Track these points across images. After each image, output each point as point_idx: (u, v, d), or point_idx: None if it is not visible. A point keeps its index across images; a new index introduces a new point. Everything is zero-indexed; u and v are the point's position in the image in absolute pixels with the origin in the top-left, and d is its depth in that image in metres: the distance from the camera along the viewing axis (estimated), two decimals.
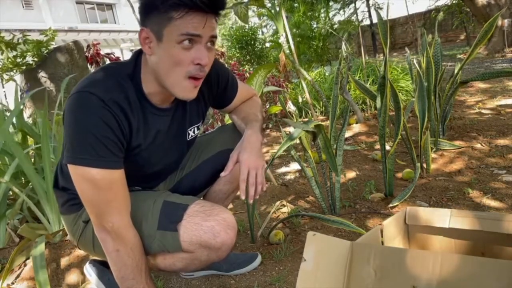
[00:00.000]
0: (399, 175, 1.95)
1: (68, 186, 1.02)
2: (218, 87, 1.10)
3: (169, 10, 0.80)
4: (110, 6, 18.42)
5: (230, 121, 1.28)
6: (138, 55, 0.94)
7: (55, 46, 3.84)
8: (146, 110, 0.94)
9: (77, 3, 16.64)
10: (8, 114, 2.26)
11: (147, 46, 0.86)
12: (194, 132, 1.11)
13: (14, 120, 2.11)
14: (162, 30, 0.82)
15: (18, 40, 3.56)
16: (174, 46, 0.83)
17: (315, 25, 7.22)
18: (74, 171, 0.86)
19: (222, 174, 1.04)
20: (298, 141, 2.32)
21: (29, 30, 6.10)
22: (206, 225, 0.92)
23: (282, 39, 2.19)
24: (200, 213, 0.94)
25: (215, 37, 0.87)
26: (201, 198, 1.26)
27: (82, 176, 0.85)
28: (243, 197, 1.03)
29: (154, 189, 1.16)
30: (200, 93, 1.07)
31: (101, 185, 0.86)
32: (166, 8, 0.80)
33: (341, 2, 10.27)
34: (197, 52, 0.84)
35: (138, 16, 0.88)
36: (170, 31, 0.82)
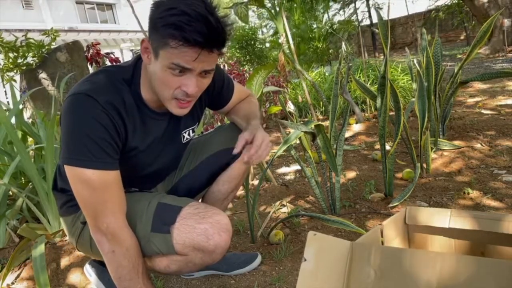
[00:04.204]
0: (399, 175, 1.95)
1: (66, 188, 1.02)
2: (214, 89, 1.10)
3: (168, 37, 0.80)
4: (110, 6, 18.42)
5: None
6: (138, 59, 0.95)
7: (55, 46, 3.83)
8: (144, 114, 0.95)
9: (77, 3, 16.64)
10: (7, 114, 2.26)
11: (146, 56, 0.88)
12: (189, 134, 1.11)
13: (13, 120, 2.11)
14: (159, 51, 0.83)
15: (21, 43, 3.57)
16: (165, 70, 0.84)
17: (315, 25, 7.22)
18: (70, 172, 0.86)
19: (235, 151, 1.01)
20: (298, 141, 2.32)
21: (29, 30, 6.10)
22: (200, 228, 0.91)
23: (282, 39, 2.19)
24: (194, 216, 0.93)
25: (211, 70, 0.88)
26: (200, 199, 1.26)
27: (77, 177, 0.86)
28: (246, 159, 0.98)
29: (152, 190, 1.16)
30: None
31: (96, 186, 0.86)
32: (165, 34, 0.80)
33: (341, 2, 10.27)
34: (186, 80, 0.86)
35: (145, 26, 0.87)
36: (164, 55, 0.82)
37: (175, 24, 0.78)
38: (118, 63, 1.00)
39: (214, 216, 0.94)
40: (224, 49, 0.88)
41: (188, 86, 0.86)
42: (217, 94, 1.13)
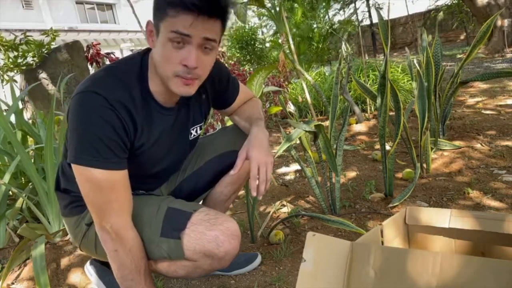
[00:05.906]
0: (399, 175, 1.95)
1: (70, 188, 1.02)
2: (219, 87, 1.10)
3: (167, 7, 0.81)
4: (110, 6, 18.43)
5: (230, 122, 1.28)
6: (145, 53, 0.94)
7: (55, 46, 3.84)
8: (151, 109, 0.94)
9: (77, 3, 16.65)
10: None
11: (151, 40, 0.88)
12: (196, 131, 1.11)
13: (13, 120, 2.11)
14: (160, 25, 0.83)
15: (20, 41, 3.57)
16: (166, 43, 0.83)
17: (315, 25, 7.21)
18: (77, 170, 0.86)
19: (232, 172, 1.02)
20: (298, 141, 2.33)
21: (29, 30, 6.10)
22: (210, 235, 0.91)
23: (282, 39, 2.19)
24: (204, 222, 0.93)
25: (212, 40, 0.85)
26: (202, 200, 1.26)
27: (84, 176, 0.86)
28: (254, 194, 0.99)
29: (156, 191, 1.16)
30: (204, 93, 1.06)
31: (103, 186, 0.86)
32: (164, 5, 0.81)
33: (341, 2, 10.27)
34: (186, 53, 0.83)
35: (152, 14, 0.88)
36: (164, 26, 0.82)
37: None
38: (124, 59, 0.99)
39: (225, 223, 0.93)
40: (225, 37, 0.88)
41: (188, 59, 0.83)
42: (222, 91, 1.12)
